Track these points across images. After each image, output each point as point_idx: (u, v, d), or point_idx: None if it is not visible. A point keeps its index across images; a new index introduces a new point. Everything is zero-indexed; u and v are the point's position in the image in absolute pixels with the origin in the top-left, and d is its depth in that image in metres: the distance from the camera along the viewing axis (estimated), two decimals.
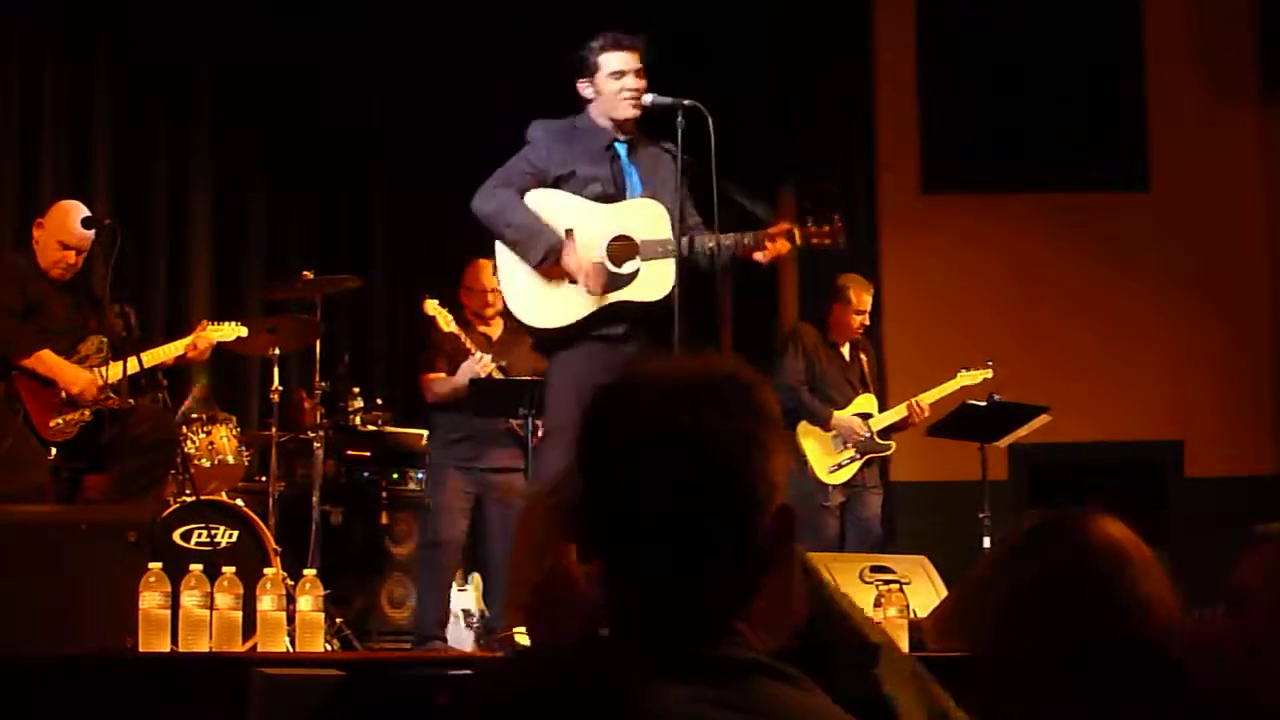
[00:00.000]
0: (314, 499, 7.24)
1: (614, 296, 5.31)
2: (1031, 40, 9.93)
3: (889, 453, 7.96)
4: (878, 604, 5.21)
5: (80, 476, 6.42)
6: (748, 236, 5.36)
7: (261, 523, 6.57)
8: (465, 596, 7.58)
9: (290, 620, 5.26)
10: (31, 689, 4.30)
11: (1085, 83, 9.97)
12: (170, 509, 6.38)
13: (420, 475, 7.89)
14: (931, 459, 8.84)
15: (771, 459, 1.68)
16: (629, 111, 5.42)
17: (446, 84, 9.18)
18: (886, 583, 5.48)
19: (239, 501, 6.72)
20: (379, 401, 8.15)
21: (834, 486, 7.78)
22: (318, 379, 7.43)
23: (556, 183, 5.40)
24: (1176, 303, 9.85)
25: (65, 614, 4.72)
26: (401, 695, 4.39)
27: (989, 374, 7.92)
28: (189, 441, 6.96)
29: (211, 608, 4.91)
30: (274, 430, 7.28)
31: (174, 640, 4.83)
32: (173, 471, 6.57)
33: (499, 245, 5.40)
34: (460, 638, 7.44)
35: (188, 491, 6.58)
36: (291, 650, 5.19)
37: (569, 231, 5.33)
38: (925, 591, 6.62)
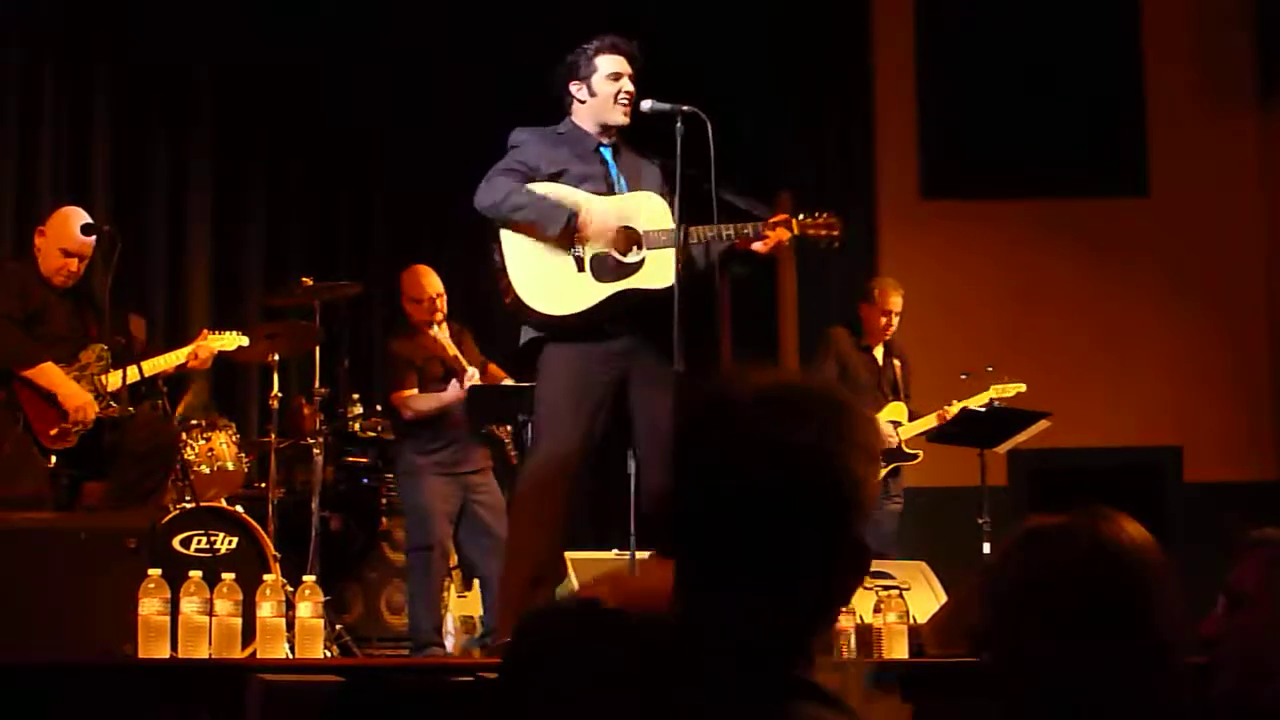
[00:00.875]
0: (313, 505, 7.24)
1: (622, 284, 5.30)
2: (1030, 45, 9.93)
3: (915, 462, 7.96)
4: (877, 609, 5.21)
5: (80, 483, 6.41)
6: (746, 227, 5.36)
7: (261, 529, 6.57)
8: (465, 603, 7.57)
9: (290, 626, 5.26)
10: (31, 696, 4.30)
11: (1084, 88, 9.98)
12: (170, 515, 6.38)
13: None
14: (931, 464, 8.83)
15: (855, 477, 1.69)
16: (620, 117, 5.41)
17: (446, 90, 9.18)
18: (886, 588, 5.49)
19: (238, 508, 6.72)
20: (378, 408, 8.13)
21: None
22: (317, 385, 7.42)
23: (550, 179, 5.38)
24: (1176, 308, 9.85)
25: (64, 621, 4.72)
26: (400, 701, 4.39)
27: (1022, 387, 7.88)
28: (188, 448, 6.96)
29: (211, 614, 4.91)
30: (273, 437, 7.27)
31: (173, 647, 4.83)
32: (172, 478, 6.57)
33: (504, 236, 5.36)
34: (458, 645, 7.43)
35: (187, 498, 6.58)
36: (291, 656, 5.19)
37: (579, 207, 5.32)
38: (925, 597, 6.63)
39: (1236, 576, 2.58)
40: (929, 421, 7.84)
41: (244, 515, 6.60)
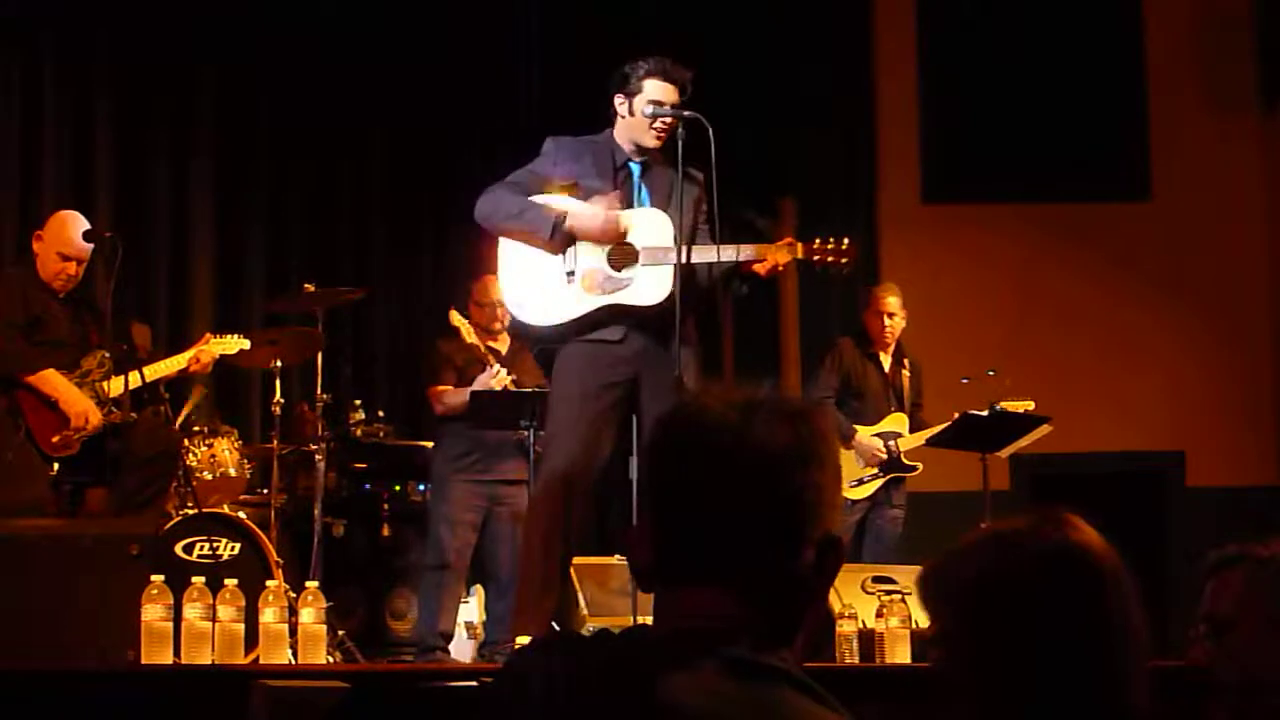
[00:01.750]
0: (316, 511, 7.24)
1: (608, 299, 5.31)
2: (1032, 50, 9.94)
3: (915, 473, 7.95)
4: (880, 614, 5.21)
5: (82, 490, 6.42)
6: (747, 249, 5.35)
7: (264, 535, 6.56)
8: (467, 609, 7.57)
9: (292, 632, 5.26)
10: (33, 702, 4.30)
11: (1086, 93, 9.98)
12: (172, 522, 6.38)
13: (422, 487, 7.89)
14: (933, 469, 8.83)
15: (820, 476, 1.78)
16: (653, 142, 5.39)
17: (450, 94, 9.18)
18: (889, 593, 5.49)
19: (241, 514, 6.71)
20: (381, 414, 8.14)
21: (854, 501, 7.76)
22: (319, 391, 7.42)
23: (560, 189, 5.39)
24: (1178, 312, 9.85)
25: (67, 627, 4.72)
26: (404, 707, 4.39)
27: (1030, 404, 7.83)
28: (191, 454, 6.96)
29: (214, 620, 4.92)
30: (276, 443, 7.27)
31: (176, 653, 4.83)
32: (175, 484, 6.57)
33: (502, 242, 5.39)
34: (462, 649, 7.43)
35: (190, 504, 6.58)
36: (294, 662, 5.19)
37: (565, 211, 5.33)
38: None
39: (1213, 600, 2.58)
40: (930, 433, 7.83)
41: (247, 521, 6.60)
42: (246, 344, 6.99)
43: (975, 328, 9.62)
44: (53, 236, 6.44)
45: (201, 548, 6.34)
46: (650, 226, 5.36)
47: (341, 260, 9.19)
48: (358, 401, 8.06)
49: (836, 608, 5.36)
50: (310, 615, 5.15)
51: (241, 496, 7.26)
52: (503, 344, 7.45)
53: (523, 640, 5.12)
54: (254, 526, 6.57)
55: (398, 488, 8.02)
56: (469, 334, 7.24)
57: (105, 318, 6.51)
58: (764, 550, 1.75)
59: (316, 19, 9.15)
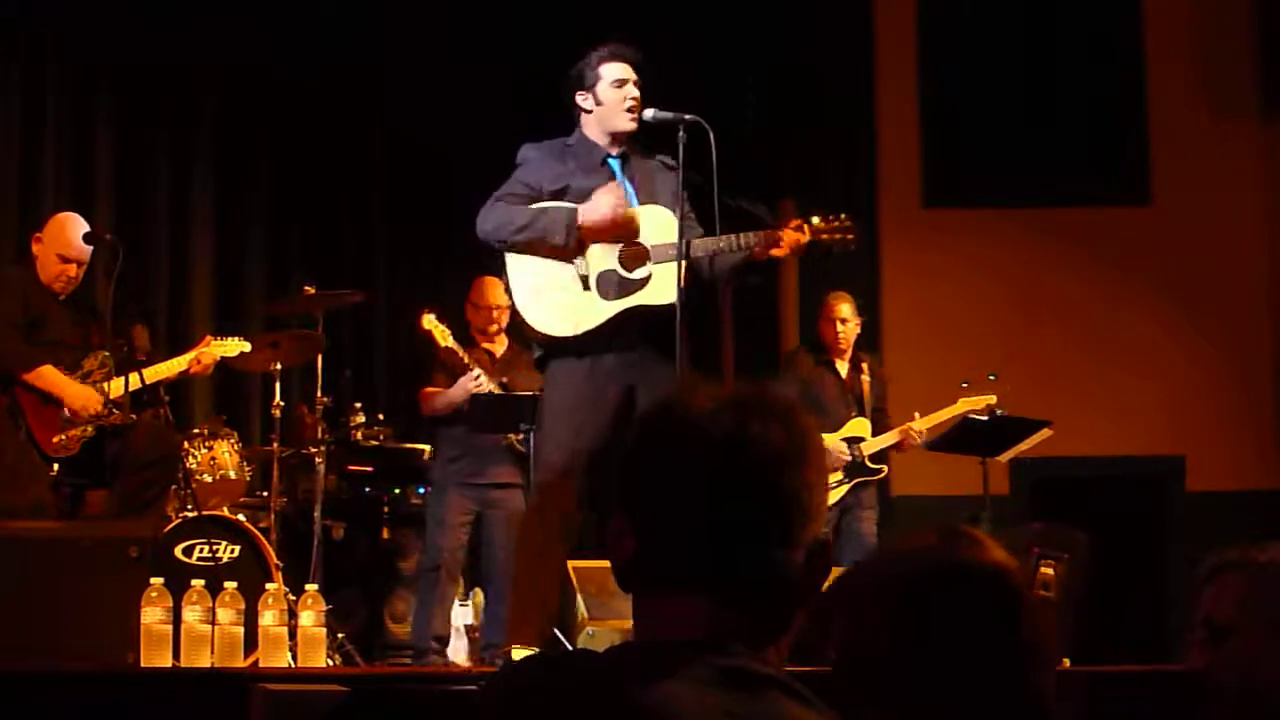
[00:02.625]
0: (316, 514, 7.24)
1: (628, 301, 5.29)
2: (1032, 54, 9.95)
3: (880, 477, 7.94)
4: None
5: (82, 492, 6.42)
6: (758, 235, 5.33)
7: (263, 538, 6.56)
8: (466, 612, 7.57)
9: (292, 635, 5.26)
10: (32, 705, 4.30)
11: (1086, 97, 9.99)
12: (172, 524, 6.38)
13: (422, 490, 7.89)
14: (933, 473, 8.84)
15: (812, 476, 1.77)
16: (628, 123, 5.40)
17: (451, 98, 9.18)
18: None
19: (241, 517, 6.71)
20: (381, 417, 8.14)
21: None
22: (320, 394, 7.43)
23: (552, 198, 5.37)
24: (1178, 317, 9.85)
25: (67, 629, 4.72)
26: (403, 710, 4.39)
27: (992, 399, 7.87)
28: (191, 457, 6.96)
29: (213, 623, 4.92)
30: (276, 445, 7.27)
31: (175, 656, 4.84)
32: (174, 487, 6.57)
33: (509, 259, 5.36)
34: (460, 652, 7.43)
35: (189, 507, 6.57)
36: (293, 666, 5.19)
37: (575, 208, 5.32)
38: None
39: (1211, 605, 2.57)
40: (892, 437, 7.84)
41: (246, 524, 6.60)
42: (247, 346, 7.00)
43: (975, 332, 9.62)
44: (52, 239, 6.45)
45: (201, 550, 6.34)
46: (655, 223, 5.35)
47: (342, 263, 9.20)
48: (358, 404, 8.06)
49: None
50: (310, 618, 5.16)
51: (241, 499, 7.26)
52: (499, 345, 7.45)
53: (519, 648, 5.11)
54: (254, 529, 6.57)
55: (397, 490, 8.02)
56: (443, 338, 7.24)
57: (106, 319, 6.52)
58: (756, 552, 1.74)
59: (317, 20, 9.15)
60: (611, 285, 5.29)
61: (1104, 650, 5.98)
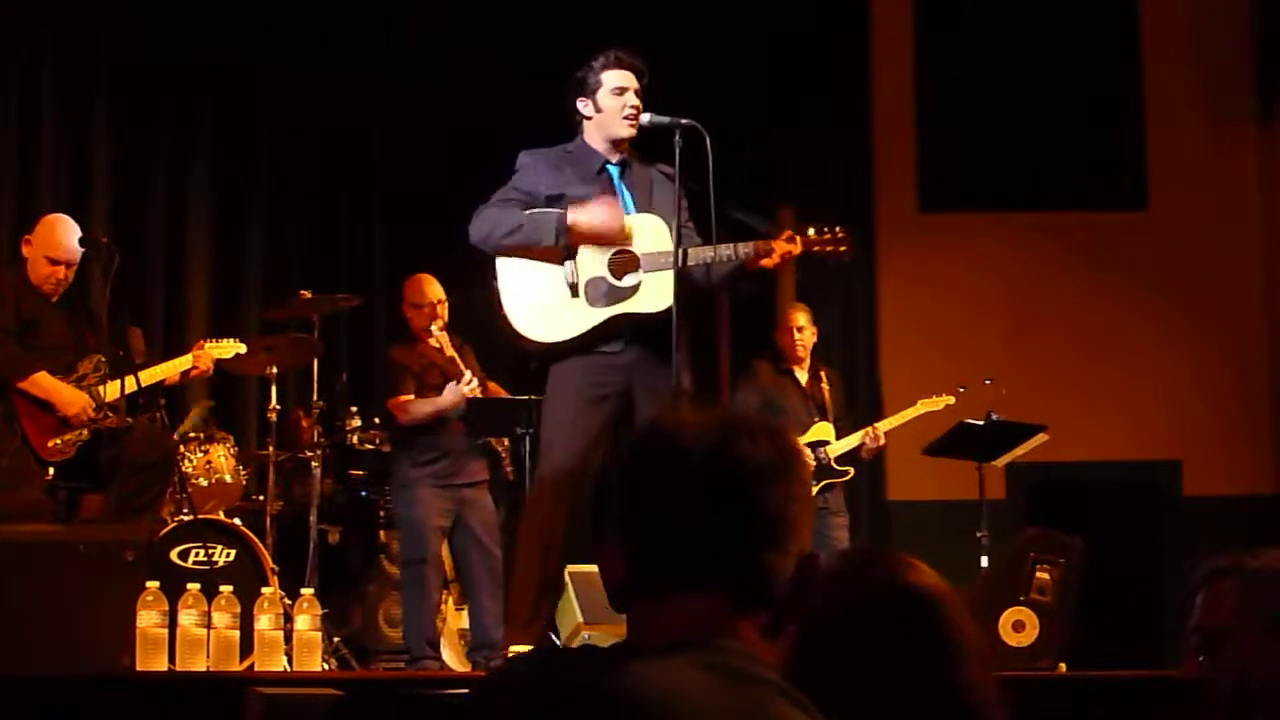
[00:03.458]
0: (311, 518, 7.24)
1: (615, 309, 5.30)
2: (1029, 59, 9.95)
3: (847, 478, 7.98)
4: None
5: (78, 496, 6.41)
6: (748, 245, 5.34)
7: (259, 542, 6.55)
8: (463, 617, 7.56)
9: (288, 639, 5.27)
10: (29, 709, 4.30)
11: (1083, 101, 9.99)
12: (168, 528, 6.37)
13: None
14: (929, 478, 8.84)
15: (799, 489, 1.82)
16: (627, 130, 5.41)
17: (445, 102, 9.18)
18: None
19: (236, 521, 6.71)
20: (376, 421, 8.12)
21: None
22: (315, 398, 7.42)
23: (548, 203, 5.38)
24: (1175, 321, 9.86)
25: (62, 633, 4.72)
26: (399, 714, 4.39)
27: (951, 400, 7.99)
28: (186, 461, 6.95)
29: (209, 627, 4.92)
30: (271, 449, 7.27)
31: (171, 659, 4.83)
32: (170, 491, 6.56)
33: (499, 266, 5.37)
34: (456, 656, 7.42)
35: (185, 511, 6.57)
36: (289, 669, 5.19)
37: (568, 248, 5.32)
38: None
39: (1205, 612, 2.57)
40: (856, 439, 7.90)
41: (242, 528, 6.59)
42: (243, 348, 6.99)
43: (971, 336, 9.63)
44: (41, 241, 6.43)
45: (197, 554, 6.33)
46: (648, 232, 5.36)
47: (338, 267, 9.19)
48: (353, 408, 8.05)
49: None
50: (305, 622, 5.16)
51: (237, 503, 7.26)
52: (445, 342, 7.38)
53: (516, 649, 5.12)
54: (249, 533, 6.56)
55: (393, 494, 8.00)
56: (446, 347, 7.23)
57: (101, 323, 6.51)
58: (748, 562, 1.78)
59: (315, 24, 9.15)
60: (600, 293, 5.30)
61: (1100, 655, 5.98)
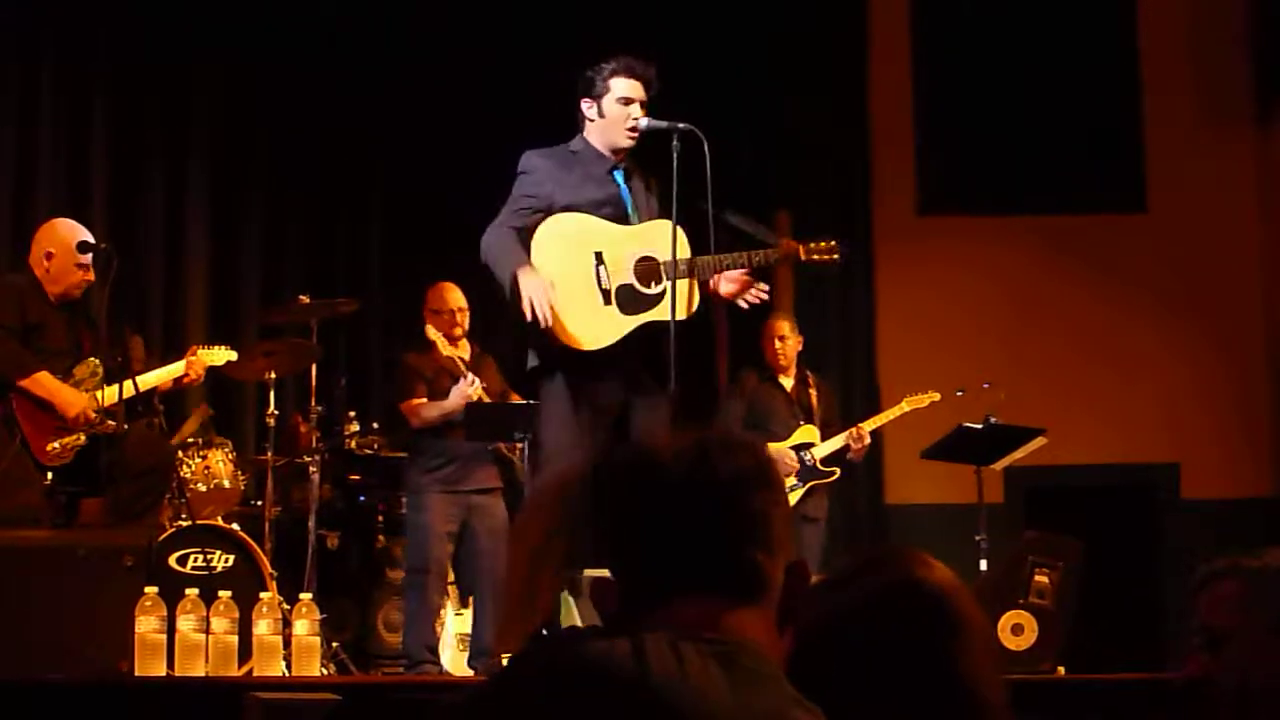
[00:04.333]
0: (310, 523, 7.23)
1: (644, 317, 5.29)
2: (1028, 62, 9.95)
3: (832, 479, 8.00)
4: None
5: (76, 500, 6.40)
6: (758, 255, 5.35)
7: (258, 547, 6.56)
8: (462, 621, 7.56)
9: (286, 644, 5.26)
10: (27, 714, 4.29)
11: (1082, 104, 9.99)
12: (166, 533, 6.37)
13: None
14: (927, 482, 8.84)
15: (780, 496, 1.86)
16: (627, 141, 5.41)
17: (444, 108, 9.18)
18: None
19: (235, 526, 6.71)
20: (375, 425, 8.13)
21: None
22: (314, 403, 7.42)
23: (566, 209, 5.36)
24: (1173, 324, 9.86)
25: (61, 638, 4.72)
26: (398, 719, 4.39)
27: (936, 396, 8.04)
28: (185, 466, 6.96)
29: (207, 632, 4.92)
30: (270, 454, 7.26)
31: (170, 664, 4.83)
32: (169, 496, 6.57)
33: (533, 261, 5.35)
34: (455, 661, 7.42)
35: (184, 516, 6.58)
36: (287, 674, 5.19)
37: (598, 254, 5.31)
38: None
39: (1207, 612, 2.57)
40: (841, 440, 7.92)
41: (241, 533, 6.60)
42: (234, 355, 6.98)
43: (970, 340, 9.63)
44: (65, 249, 6.40)
45: (195, 559, 6.34)
46: (666, 239, 5.35)
47: (336, 272, 9.19)
48: (352, 413, 8.05)
49: None
50: (304, 627, 5.16)
51: (235, 508, 7.26)
52: (464, 351, 7.40)
53: (507, 655, 5.11)
54: (248, 538, 6.57)
55: (391, 499, 8.01)
56: (445, 347, 7.23)
57: (100, 328, 6.51)
58: (739, 560, 1.81)
59: (314, 29, 9.15)
60: (630, 300, 5.30)
61: (1099, 658, 5.98)
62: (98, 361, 6.39)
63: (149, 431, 6.64)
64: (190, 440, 7.19)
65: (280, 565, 6.85)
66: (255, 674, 5.06)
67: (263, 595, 5.27)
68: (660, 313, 5.28)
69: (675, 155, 5.26)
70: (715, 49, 9.36)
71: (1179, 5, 10.16)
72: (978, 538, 7.50)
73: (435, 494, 7.17)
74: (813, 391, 8.14)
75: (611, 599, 1.87)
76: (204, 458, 7.12)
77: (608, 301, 5.29)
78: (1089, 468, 9.63)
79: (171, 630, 4.86)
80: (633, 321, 5.29)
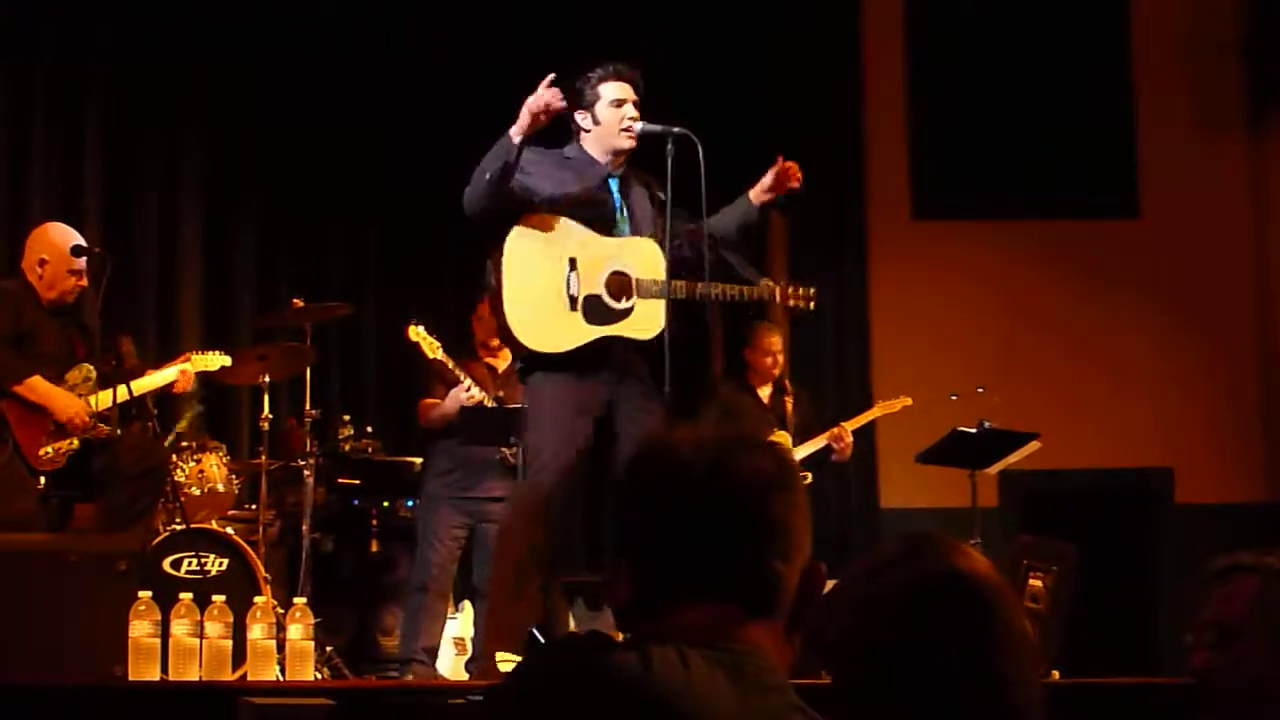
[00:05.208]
0: (304, 527, 7.23)
1: (607, 329, 5.32)
2: (1021, 67, 9.95)
3: (806, 483, 7.98)
4: None
5: (70, 505, 6.40)
6: (732, 290, 5.44)
7: (251, 551, 6.55)
8: (455, 624, 7.56)
9: (280, 649, 5.26)
10: (20, 718, 4.29)
11: (1075, 109, 9.99)
12: (160, 537, 6.37)
13: (411, 503, 7.88)
14: (922, 486, 8.84)
15: (800, 499, 1.88)
16: (626, 142, 5.42)
17: (440, 109, 9.17)
18: None
19: (229, 530, 6.70)
20: (369, 429, 8.13)
21: None
22: (308, 407, 7.42)
23: (548, 203, 5.38)
24: (1166, 329, 9.86)
25: (55, 643, 4.71)
26: None
27: (908, 401, 8.07)
28: (179, 470, 6.95)
29: (201, 636, 4.92)
30: (264, 458, 7.26)
31: (164, 669, 4.83)
32: (163, 500, 6.56)
33: (505, 267, 5.35)
34: (451, 665, 7.42)
35: (178, 520, 6.57)
36: (282, 679, 5.18)
37: (572, 260, 5.33)
38: None
39: (1220, 607, 2.57)
40: (820, 441, 7.92)
41: (235, 537, 6.59)
42: (228, 361, 6.98)
43: (964, 345, 9.63)
44: (59, 255, 6.40)
45: (189, 564, 6.33)
46: (644, 257, 5.39)
47: (330, 276, 9.18)
48: (346, 417, 8.05)
49: None
50: (298, 631, 5.15)
51: (230, 512, 7.25)
52: (503, 360, 7.41)
53: (501, 656, 5.12)
54: (242, 542, 6.57)
55: (386, 504, 8.01)
56: (431, 349, 7.23)
57: (93, 333, 6.51)
58: (755, 570, 1.80)
59: (310, 31, 9.14)
60: (595, 311, 5.33)
61: (1093, 663, 5.98)
62: (90, 367, 6.39)
63: (143, 435, 6.63)
64: (184, 444, 7.18)
65: (274, 569, 6.84)
66: (249, 679, 5.05)
67: (257, 599, 5.26)
68: (625, 328, 5.33)
69: (670, 160, 5.28)
70: (708, 54, 9.36)
71: (1172, 11, 10.16)
72: (972, 542, 7.48)
73: (444, 499, 7.23)
74: (789, 399, 8.12)
75: (624, 590, 1.85)
76: (198, 461, 7.11)
77: (573, 308, 5.32)
78: (1083, 472, 9.63)
79: (165, 635, 4.85)
80: (594, 332, 5.32)
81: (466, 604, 7.63)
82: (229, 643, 4.98)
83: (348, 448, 7.96)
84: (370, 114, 9.15)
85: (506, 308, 5.33)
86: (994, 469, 7.82)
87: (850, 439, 7.98)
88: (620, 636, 1.83)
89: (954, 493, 7.87)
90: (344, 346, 9.02)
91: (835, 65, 9.92)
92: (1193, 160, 9.97)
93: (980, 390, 7.94)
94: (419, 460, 7.65)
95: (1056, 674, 5.87)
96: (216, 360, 6.94)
